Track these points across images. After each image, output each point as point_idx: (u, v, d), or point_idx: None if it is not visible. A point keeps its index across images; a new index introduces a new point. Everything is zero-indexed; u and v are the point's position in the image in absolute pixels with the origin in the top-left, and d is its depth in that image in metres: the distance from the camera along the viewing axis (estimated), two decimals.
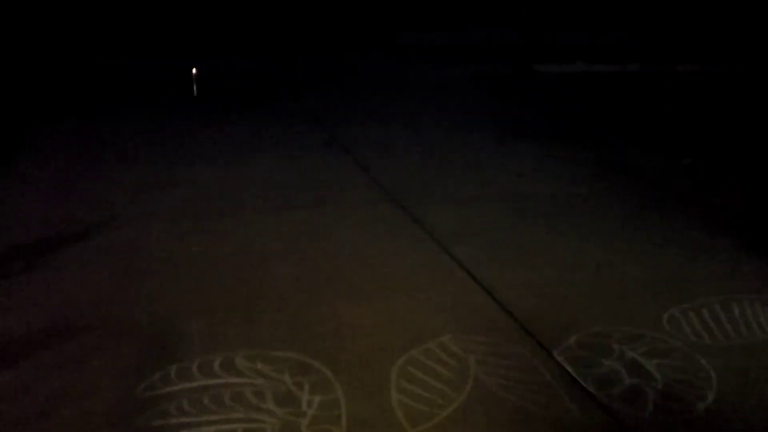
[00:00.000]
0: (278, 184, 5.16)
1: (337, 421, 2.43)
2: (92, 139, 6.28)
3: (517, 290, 3.50)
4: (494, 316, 3.24)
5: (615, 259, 3.96)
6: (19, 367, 2.72)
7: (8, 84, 8.59)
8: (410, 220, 4.51)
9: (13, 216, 4.32)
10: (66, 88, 8.77)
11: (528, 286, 3.56)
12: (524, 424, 2.45)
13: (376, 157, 5.93)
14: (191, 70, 7.92)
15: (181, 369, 2.71)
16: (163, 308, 3.25)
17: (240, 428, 2.38)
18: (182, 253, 3.89)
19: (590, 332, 3.10)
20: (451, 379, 2.70)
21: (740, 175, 5.74)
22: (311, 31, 14.04)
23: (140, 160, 5.62)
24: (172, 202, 4.70)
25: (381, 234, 4.26)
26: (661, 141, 6.84)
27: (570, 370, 2.79)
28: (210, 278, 3.59)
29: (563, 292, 3.51)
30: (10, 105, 7.45)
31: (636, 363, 2.87)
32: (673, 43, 13.87)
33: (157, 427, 2.38)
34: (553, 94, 9.34)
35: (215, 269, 3.70)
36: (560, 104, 8.64)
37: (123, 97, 8.00)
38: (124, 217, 4.38)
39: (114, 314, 3.18)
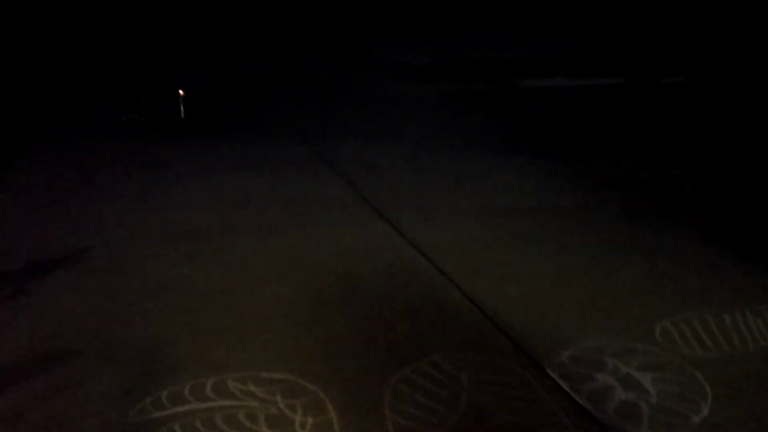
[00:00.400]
0: (266, 204, 5.14)
1: None
2: (82, 156, 6.25)
3: (507, 305, 3.49)
4: (486, 333, 3.23)
5: (604, 271, 3.96)
6: (9, 394, 2.69)
7: (7, 90, 8.56)
8: (398, 235, 4.50)
9: (4, 241, 4.28)
10: (60, 94, 8.72)
11: (518, 301, 3.56)
12: None
13: (363, 173, 5.93)
14: (178, 91, 7.92)
15: (173, 393, 2.68)
16: (154, 332, 3.21)
17: None
18: (172, 275, 3.86)
19: (583, 347, 3.10)
20: (445, 398, 2.69)
21: (730, 185, 5.78)
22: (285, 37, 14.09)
23: (128, 180, 5.59)
24: (161, 224, 4.67)
25: (373, 253, 4.24)
26: (648, 152, 6.88)
27: (564, 385, 2.79)
28: (200, 300, 3.56)
29: (554, 306, 3.51)
30: (7, 112, 7.42)
31: (630, 377, 2.87)
32: (659, 53, 13.98)
33: None
34: (536, 108, 9.39)
35: (205, 291, 3.67)
36: (543, 118, 8.69)
37: (112, 109, 7.97)
38: (113, 240, 4.35)
39: (105, 339, 3.14)
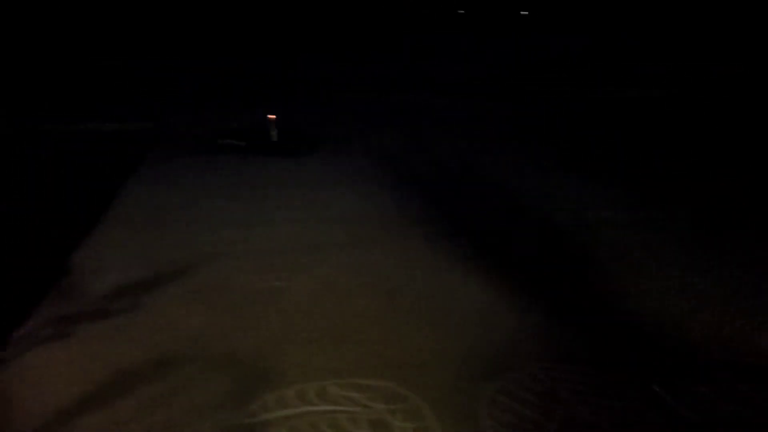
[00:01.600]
0: (353, 221, 5.30)
1: None
2: (183, 179, 6.61)
3: (612, 318, 3.50)
4: (585, 344, 3.25)
5: (707, 281, 3.90)
6: (126, 400, 2.90)
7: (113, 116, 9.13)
8: (466, 253, 4.56)
9: (114, 258, 4.59)
10: (158, 121, 9.24)
11: (627, 314, 3.55)
12: None
13: (447, 189, 6.02)
14: (268, 116, 8.23)
15: (279, 397, 2.84)
16: (257, 340, 3.40)
17: None
18: (268, 288, 4.05)
19: (686, 360, 3.07)
20: (543, 407, 2.72)
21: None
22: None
23: (226, 201, 5.87)
24: (257, 241, 4.89)
25: (457, 273, 4.32)
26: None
27: (667, 397, 2.77)
28: (296, 312, 3.73)
29: (663, 319, 3.49)
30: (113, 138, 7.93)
31: (734, 389, 2.82)
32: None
33: None
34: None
35: (301, 303, 3.84)
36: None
37: (208, 134, 8.38)
38: (215, 256, 4.59)
39: (211, 347, 3.34)
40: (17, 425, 2.72)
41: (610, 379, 2.92)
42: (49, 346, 3.38)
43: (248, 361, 3.20)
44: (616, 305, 3.74)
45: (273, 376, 3.05)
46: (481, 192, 6.06)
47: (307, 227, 5.18)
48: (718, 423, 2.60)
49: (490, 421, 2.64)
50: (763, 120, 8.47)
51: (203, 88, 12.72)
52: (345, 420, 2.68)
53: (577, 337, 3.34)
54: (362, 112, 10.54)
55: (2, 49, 15.16)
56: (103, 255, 4.64)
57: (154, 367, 3.17)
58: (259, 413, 2.75)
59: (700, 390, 2.82)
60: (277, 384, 2.96)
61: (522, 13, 23.69)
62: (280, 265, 4.43)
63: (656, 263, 4.31)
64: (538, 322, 3.53)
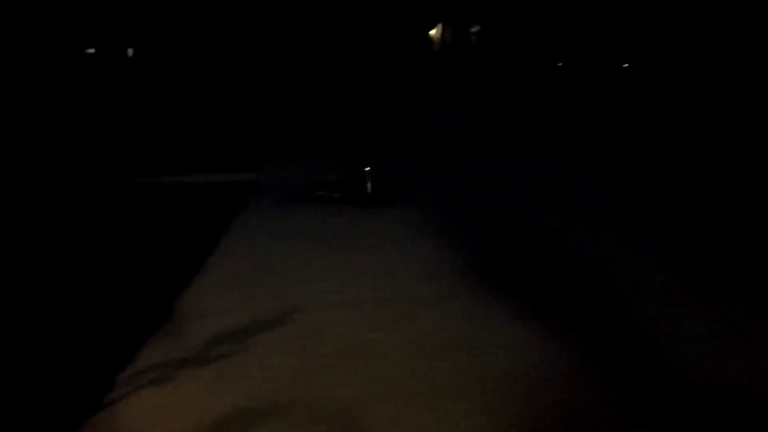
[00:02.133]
0: (449, 276, 5.26)
1: None
2: (284, 227, 6.80)
3: None
4: None
5: None
6: None
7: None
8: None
9: (213, 305, 4.74)
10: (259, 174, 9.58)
11: None
12: None
13: (541, 244, 5.90)
14: (365, 168, 8.39)
15: None
16: (351, 392, 3.39)
17: None
18: (364, 339, 4.06)
19: None
20: None
21: None
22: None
23: (324, 250, 5.98)
24: (353, 291, 4.94)
25: (564, 326, 4.19)
26: None
27: None
28: (391, 365, 3.71)
29: None
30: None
31: None
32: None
33: None
34: None
35: (395, 356, 3.82)
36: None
37: (306, 186, 8.60)
38: (310, 306, 4.65)
39: (306, 397, 3.37)
40: None
41: None
42: (150, 390, 3.50)
43: (341, 414, 3.19)
44: None
45: (366, 431, 3.03)
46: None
47: (401, 280, 5.19)
48: None
49: None
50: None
51: (302, 138, 13.16)
52: None
53: None
54: (457, 162, 10.58)
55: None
56: (204, 301, 4.80)
57: (246, 416, 3.22)
58: None
59: None
60: None
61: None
62: (375, 317, 4.43)
63: None
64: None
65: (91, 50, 24.25)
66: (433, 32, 31.99)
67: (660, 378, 3.50)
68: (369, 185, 8.28)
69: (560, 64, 25.53)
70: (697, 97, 9.61)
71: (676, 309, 4.44)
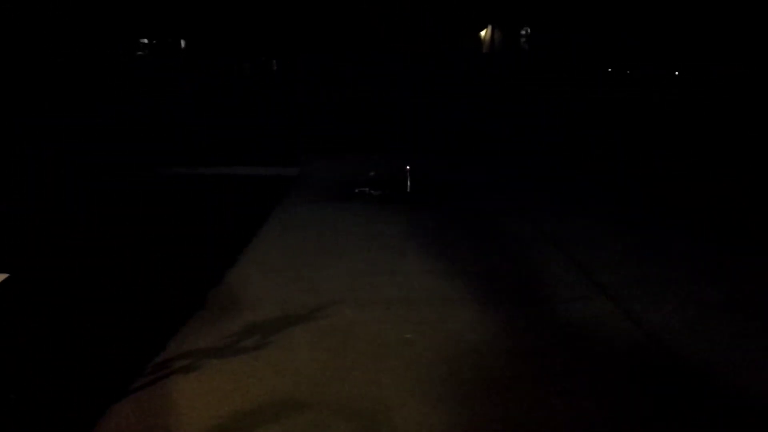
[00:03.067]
0: (486, 276, 5.17)
1: None
2: (320, 225, 6.78)
3: None
4: None
5: None
6: None
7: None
8: (624, 317, 4.28)
9: (248, 298, 4.74)
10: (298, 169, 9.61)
11: None
12: None
13: (585, 252, 5.76)
14: (405, 167, 8.34)
15: None
16: (379, 392, 3.34)
17: None
18: (395, 338, 4.00)
19: None
20: None
21: None
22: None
23: (360, 248, 5.94)
24: (386, 290, 4.88)
25: (596, 338, 4.07)
26: None
27: None
28: (421, 366, 3.64)
29: None
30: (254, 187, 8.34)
31: None
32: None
33: None
34: None
35: (426, 357, 3.75)
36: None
37: (345, 183, 8.58)
38: (343, 303, 4.62)
39: (334, 394, 3.33)
40: None
41: None
42: (179, 378, 3.51)
43: (368, 413, 3.14)
44: None
45: (392, 430, 2.98)
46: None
47: (438, 280, 5.11)
48: None
49: None
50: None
51: (341, 136, 13.17)
52: None
53: None
54: (499, 160, 10.46)
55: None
56: (238, 293, 4.80)
57: (275, 409, 3.19)
58: None
59: None
60: None
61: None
62: (408, 316, 4.38)
63: None
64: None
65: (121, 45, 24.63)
66: (482, 33, 31.76)
67: None
68: (408, 184, 8.24)
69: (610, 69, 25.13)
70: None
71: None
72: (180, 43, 26.90)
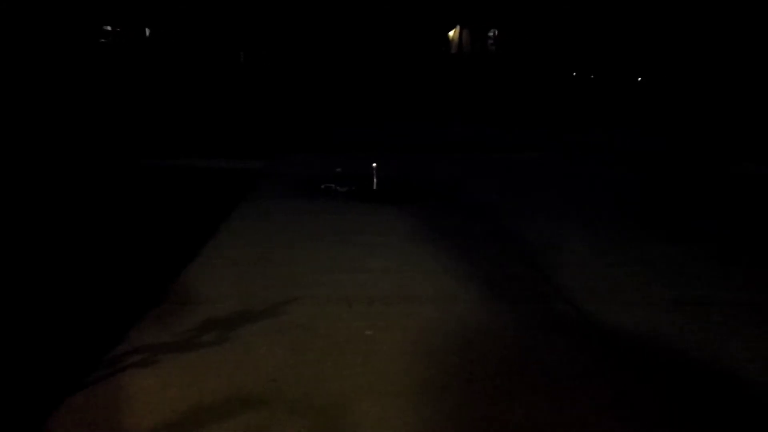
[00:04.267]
0: (448, 276, 5.21)
1: None
2: (284, 220, 6.76)
3: None
4: None
5: None
6: None
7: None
8: (579, 317, 4.36)
9: (208, 292, 4.70)
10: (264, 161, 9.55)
11: None
12: None
13: (541, 252, 5.84)
14: (372, 164, 8.36)
15: None
16: (337, 388, 3.35)
17: None
18: (357, 336, 4.01)
19: None
20: None
21: None
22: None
23: (324, 244, 5.93)
24: (349, 287, 4.89)
25: (558, 331, 4.14)
26: None
27: None
28: (381, 363, 3.66)
29: None
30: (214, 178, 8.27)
31: None
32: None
33: None
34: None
35: (387, 354, 3.77)
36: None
37: (311, 178, 8.56)
38: (305, 299, 4.61)
39: (291, 390, 3.32)
40: None
41: None
42: (134, 372, 3.47)
43: (325, 409, 3.14)
44: None
45: (348, 428, 2.98)
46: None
47: (401, 278, 5.14)
48: None
49: None
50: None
51: (313, 132, 13.13)
52: None
53: None
54: (471, 167, 10.53)
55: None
56: (198, 287, 4.77)
57: (230, 404, 3.17)
58: None
59: None
60: None
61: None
62: (369, 314, 4.39)
63: None
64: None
65: (108, 28, 24.28)
66: (451, 34, 31.92)
67: None
68: (375, 181, 8.26)
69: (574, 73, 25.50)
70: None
71: None
72: (145, 32, 26.51)
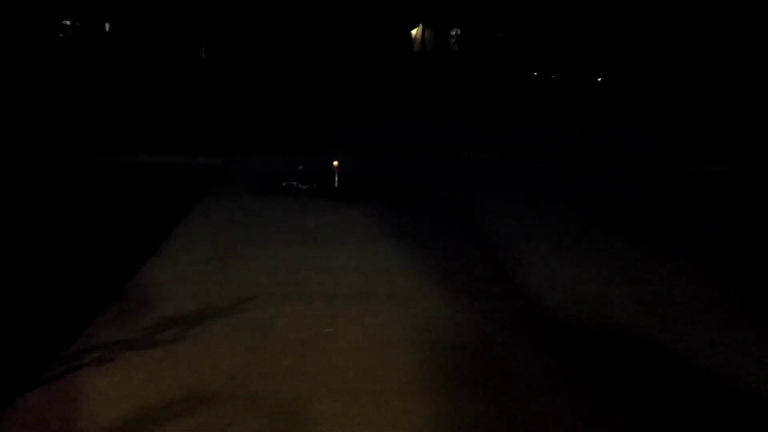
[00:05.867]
0: (409, 274, 5.24)
1: None
2: (244, 217, 6.71)
3: None
4: None
5: None
6: None
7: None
8: (540, 313, 4.43)
9: (167, 289, 4.66)
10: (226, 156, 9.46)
11: None
12: None
13: (506, 249, 5.91)
14: (332, 162, 8.35)
15: None
16: (295, 387, 3.35)
17: None
18: (315, 334, 4.02)
19: None
20: None
21: None
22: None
23: (284, 242, 5.92)
24: (309, 285, 4.89)
25: (516, 328, 4.20)
26: None
27: None
28: (341, 361, 3.67)
29: None
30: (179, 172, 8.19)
31: None
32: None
33: None
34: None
35: (346, 352, 3.78)
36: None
37: (273, 176, 8.51)
38: (264, 297, 4.60)
39: (250, 388, 3.32)
40: None
41: None
42: (92, 370, 3.43)
43: (283, 407, 3.15)
44: None
45: (306, 426, 2.99)
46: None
47: (361, 276, 5.16)
48: None
49: None
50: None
51: (277, 132, 13.05)
52: None
53: None
54: (435, 165, 10.58)
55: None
56: (157, 285, 4.72)
57: (189, 402, 3.16)
58: None
59: None
60: None
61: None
62: (329, 311, 4.40)
63: None
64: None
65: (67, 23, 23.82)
66: (413, 32, 32.03)
67: None
68: (336, 179, 8.26)
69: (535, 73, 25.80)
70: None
71: None
72: (105, 27, 26.06)
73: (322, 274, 5.14)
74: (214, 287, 4.75)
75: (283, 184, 8.18)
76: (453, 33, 30.34)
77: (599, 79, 23.84)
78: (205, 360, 3.61)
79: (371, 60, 27.29)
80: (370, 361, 3.67)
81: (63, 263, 5.17)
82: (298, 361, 3.65)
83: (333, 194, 7.97)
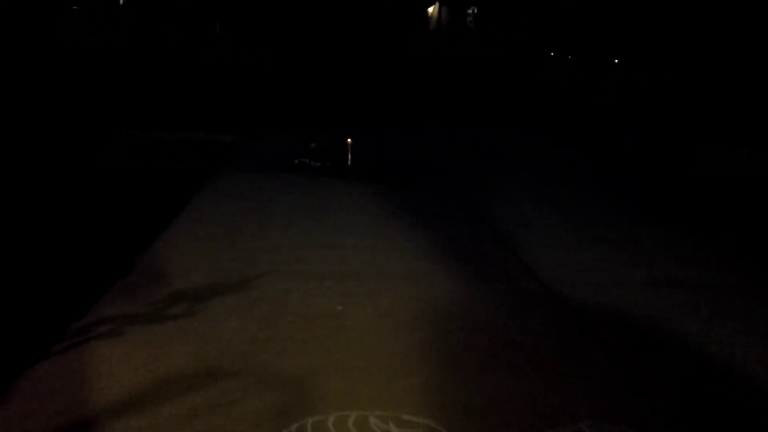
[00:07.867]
0: (421, 254, 5.22)
1: None
2: (258, 194, 6.71)
3: None
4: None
5: None
6: (169, 407, 2.88)
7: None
8: (550, 296, 4.40)
9: (181, 263, 4.66)
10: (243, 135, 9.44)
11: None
12: None
13: (520, 233, 5.87)
14: (346, 140, 8.31)
15: (317, 422, 2.77)
16: (306, 362, 3.34)
17: None
18: (327, 312, 4.00)
19: None
20: None
21: None
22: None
23: (297, 219, 5.91)
24: (321, 263, 4.88)
25: (526, 313, 4.17)
26: None
27: None
28: (351, 338, 3.66)
29: None
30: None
31: None
32: None
33: None
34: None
35: (357, 330, 3.77)
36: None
37: (287, 153, 8.48)
38: (275, 274, 4.59)
39: (260, 364, 3.31)
40: (54, 420, 2.74)
41: None
42: (101, 343, 3.43)
43: (293, 383, 3.14)
44: None
45: (315, 401, 2.98)
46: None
47: (373, 254, 5.14)
48: None
49: None
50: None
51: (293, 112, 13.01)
52: None
53: None
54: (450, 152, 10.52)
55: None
56: (168, 260, 4.73)
57: (198, 377, 3.15)
58: None
59: None
60: (319, 409, 2.89)
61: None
62: (341, 289, 4.39)
63: None
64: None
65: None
66: (430, 10, 31.69)
67: None
68: (349, 157, 8.23)
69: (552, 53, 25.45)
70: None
71: None
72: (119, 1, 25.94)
73: (332, 252, 5.13)
74: (226, 263, 4.74)
75: (296, 161, 8.16)
76: (469, 11, 29.99)
77: (615, 61, 23.45)
78: (216, 334, 3.61)
79: (389, 38, 26.98)
80: (380, 339, 3.66)
81: (75, 238, 5.18)
82: (309, 337, 3.64)
83: (345, 172, 7.94)
